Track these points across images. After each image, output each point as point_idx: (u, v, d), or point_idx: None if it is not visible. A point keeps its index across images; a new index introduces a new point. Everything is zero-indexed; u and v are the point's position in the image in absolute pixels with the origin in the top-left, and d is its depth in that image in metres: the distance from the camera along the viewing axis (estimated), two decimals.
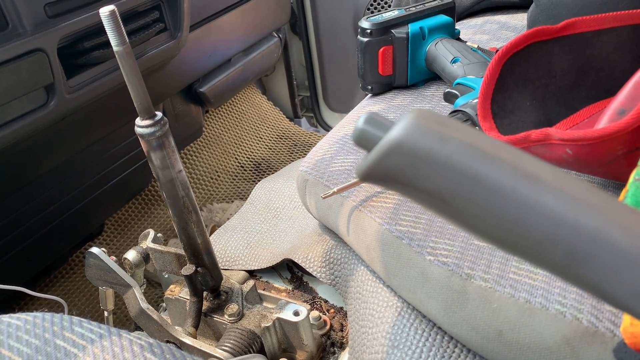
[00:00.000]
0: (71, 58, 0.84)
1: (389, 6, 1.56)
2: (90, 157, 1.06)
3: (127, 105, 1.02)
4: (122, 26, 0.45)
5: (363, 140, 0.27)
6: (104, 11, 0.44)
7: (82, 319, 0.43)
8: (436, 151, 0.25)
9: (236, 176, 1.61)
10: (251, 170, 1.63)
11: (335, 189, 0.51)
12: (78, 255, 1.27)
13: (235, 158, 1.65)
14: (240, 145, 1.69)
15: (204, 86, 1.32)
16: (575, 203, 0.25)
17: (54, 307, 1.05)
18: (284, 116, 1.87)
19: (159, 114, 0.49)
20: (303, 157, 1.73)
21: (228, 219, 1.25)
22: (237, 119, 1.75)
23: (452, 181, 0.25)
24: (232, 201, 1.47)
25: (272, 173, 1.63)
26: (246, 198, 1.53)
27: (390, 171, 0.26)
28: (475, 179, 0.25)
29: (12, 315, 0.44)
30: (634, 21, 0.52)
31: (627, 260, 0.24)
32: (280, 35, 1.60)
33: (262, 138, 1.77)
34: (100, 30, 0.85)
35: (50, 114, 0.82)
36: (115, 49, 0.45)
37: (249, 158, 1.67)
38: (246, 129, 1.75)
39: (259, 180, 1.60)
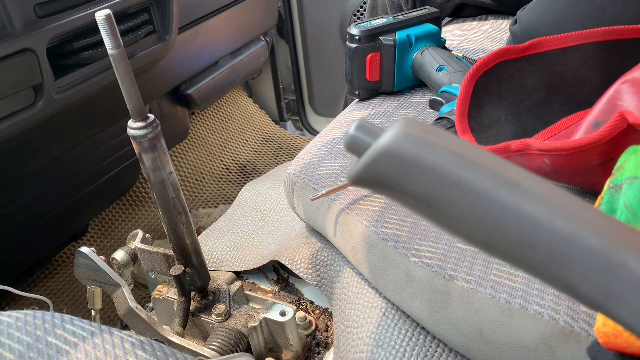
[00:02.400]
0: (60, 58, 0.84)
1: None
2: (76, 157, 1.06)
3: (114, 106, 1.02)
4: (117, 30, 0.46)
5: (354, 146, 0.28)
6: (100, 15, 0.45)
7: (73, 317, 0.44)
8: (423, 157, 0.26)
9: (221, 178, 1.61)
10: (236, 173, 1.64)
11: (323, 192, 0.52)
12: (61, 255, 1.26)
13: (221, 160, 1.66)
14: (226, 148, 1.69)
15: (190, 88, 1.32)
16: (552, 208, 0.26)
17: (39, 307, 1.04)
18: (270, 119, 1.88)
19: (151, 117, 0.50)
20: (289, 160, 1.74)
21: (212, 223, 1.25)
22: (223, 121, 1.76)
23: (437, 185, 0.26)
24: (217, 205, 1.48)
25: (258, 176, 1.64)
26: (231, 201, 1.54)
27: (379, 176, 0.28)
28: (459, 184, 0.26)
29: (2, 312, 0.45)
30: (597, 38, 0.55)
31: (600, 262, 0.25)
32: (267, 39, 1.61)
33: (247, 141, 1.78)
34: (90, 31, 0.86)
35: (37, 114, 0.82)
36: (110, 52, 0.46)
37: (234, 160, 1.68)
38: (232, 132, 1.76)
39: (244, 183, 1.61)
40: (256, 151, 1.75)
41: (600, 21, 0.62)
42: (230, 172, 1.63)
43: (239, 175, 1.63)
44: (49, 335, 0.42)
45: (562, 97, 0.57)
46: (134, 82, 0.48)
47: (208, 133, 1.67)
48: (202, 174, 1.58)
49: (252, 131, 1.81)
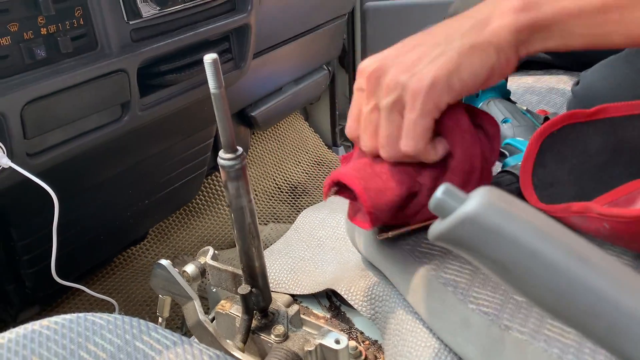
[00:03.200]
0: (146, 78, 0.91)
1: None
2: (146, 168, 1.13)
3: (186, 124, 1.09)
4: (220, 72, 0.51)
5: (439, 208, 0.32)
6: (207, 58, 0.50)
7: (157, 326, 0.49)
8: (504, 227, 0.30)
9: (273, 197, 1.67)
10: (287, 193, 1.69)
11: (390, 234, 0.56)
12: (119, 257, 1.34)
13: (274, 179, 1.71)
14: (280, 168, 1.75)
15: (255, 110, 1.39)
16: (617, 283, 0.29)
17: (100, 305, 1.11)
18: (323, 143, 1.94)
19: (240, 149, 0.55)
20: None
21: (262, 240, 1.30)
22: (279, 142, 1.82)
23: (514, 254, 0.30)
24: (267, 223, 1.53)
25: (308, 197, 1.69)
26: (281, 220, 1.59)
27: (461, 239, 0.31)
28: (535, 254, 0.30)
29: (94, 314, 0.50)
30: None
31: None
32: (330, 68, 1.67)
33: (300, 162, 1.83)
34: (175, 55, 0.93)
35: (121, 128, 0.89)
36: (212, 91, 0.51)
37: (286, 181, 1.73)
38: (287, 153, 1.82)
39: (294, 203, 1.66)
40: (308, 173, 1.81)
41: None
42: (281, 192, 1.68)
43: (290, 196, 1.68)
44: (137, 340, 0.46)
45: (625, 162, 0.59)
46: (229, 119, 0.53)
47: (265, 153, 1.74)
48: (255, 191, 1.64)
49: (306, 154, 1.87)
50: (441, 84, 0.44)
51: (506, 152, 0.66)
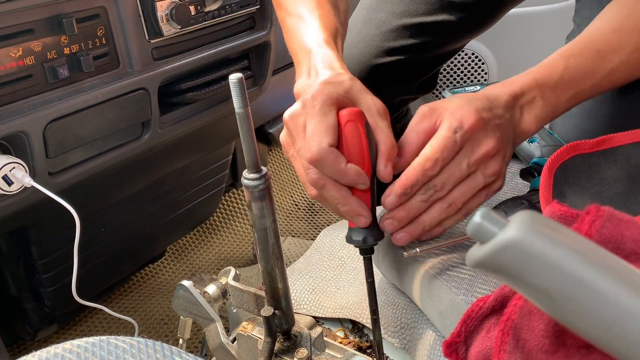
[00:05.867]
0: (166, 96, 0.91)
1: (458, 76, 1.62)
2: (165, 185, 1.13)
3: (205, 141, 1.09)
4: (245, 92, 0.50)
5: (478, 233, 0.31)
6: (233, 78, 0.50)
7: (180, 350, 0.48)
8: (548, 254, 0.28)
9: (290, 214, 1.66)
10: (305, 210, 1.68)
11: (418, 250, 0.55)
12: (136, 275, 1.33)
13: (291, 196, 1.71)
14: (297, 185, 1.74)
15: (273, 127, 1.39)
16: None
17: (118, 324, 1.11)
18: None
19: (264, 169, 0.54)
20: None
21: None
22: None
23: (559, 281, 0.28)
24: (286, 237, 1.52)
25: (325, 214, 1.68)
26: (298, 236, 1.58)
27: (503, 265, 0.30)
28: (581, 282, 0.28)
29: (117, 337, 0.49)
30: None
31: None
32: None
33: None
34: (196, 73, 0.93)
35: (141, 146, 0.89)
36: (237, 110, 0.51)
37: (303, 197, 1.72)
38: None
39: (311, 220, 1.65)
40: None
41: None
42: (299, 209, 1.67)
43: (307, 213, 1.67)
44: None
45: None
46: (254, 139, 0.52)
47: (282, 169, 1.73)
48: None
49: None
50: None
51: (534, 172, 0.65)
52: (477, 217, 0.31)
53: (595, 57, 0.57)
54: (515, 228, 0.29)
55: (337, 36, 0.66)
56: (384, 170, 0.54)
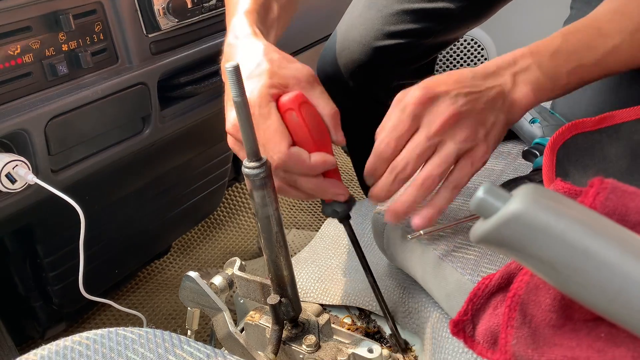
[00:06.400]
0: (166, 90, 0.91)
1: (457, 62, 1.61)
2: (168, 181, 1.13)
3: (206, 135, 1.09)
4: (242, 80, 0.50)
5: (481, 208, 0.31)
6: (229, 66, 0.50)
7: (189, 339, 0.48)
8: (552, 225, 0.28)
9: (294, 205, 1.66)
10: (309, 201, 1.68)
11: (422, 232, 0.55)
12: (142, 271, 1.34)
13: None
14: None
15: None
16: None
17: (127, 320, 1.11)
18: (340, 149, 1.93)
19: (264, 158, 0.54)
20: (360, 191, 1.76)
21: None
22: None
23: (564, 253, 0.28)
24: (290, 229, 1.52)
25: None
26: (302, 227, 1.58)
27: (507, 239, 0.30)
28: (586, 253, 0.28)
29: (125, 328, 0.49)
30: None
31: None
32: None
33: None
34: (195, 67, 0.93)
35: (143, 141, 0.89)
36: (234, 99, 0.50)
37: None
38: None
39: (316, 212, 1.65)
40: None
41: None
42: (302, 201, 1.67)
43: (311, 204, 1.67)
44: (169, 354, 0.46)
45: None
46: (252, 127, 0.52)
47: None
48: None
49: None
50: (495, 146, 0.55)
51: (536, 152, 0.65)
52: (479, 192, 0.31)
53: (596, 33, 0.56)
54: (518, 201, 0.29)
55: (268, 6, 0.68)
56: (337, 138, 0.57)
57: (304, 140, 0.55)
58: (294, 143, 0.54)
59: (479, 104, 0.52)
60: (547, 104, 0.75)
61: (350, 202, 0.59)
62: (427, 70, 1.02)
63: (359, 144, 1.27)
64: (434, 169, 0.52)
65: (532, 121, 0.68)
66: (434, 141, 0.51)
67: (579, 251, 0.28)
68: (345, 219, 0.61)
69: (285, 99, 0.54)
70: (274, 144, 0.54)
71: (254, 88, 0.55)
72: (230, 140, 0.61)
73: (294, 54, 1.29)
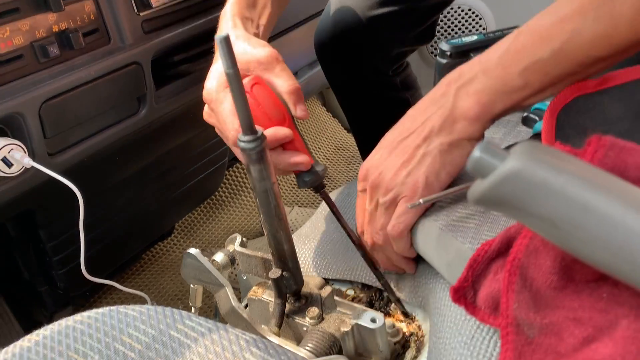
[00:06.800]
0: (161, 70, 0.90)
1: (455, 33, 1.59)
2: (168, 162, 1.12)
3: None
4: (233, 51, 0.49)
5: (478, 167, 0.30)
6: (219, 37, 0.49)
7: (190, 314, 0.48)
8: (551, 180, 0.28)
9: (295, 184, 1.66)
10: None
11: (421, 201, 0.54)
12: (147, 254, 1.34)
13: None
14: None
15: None
16: None
17: (132, 302, 1.11)
18: (342, 128, 1.92)
19: (260, 131, 0.53)
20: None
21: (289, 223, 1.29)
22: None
23: (564, 208, 0.28)
24: (293, 207, 1.52)
25: (330, 182, 1.67)
26: (304, 205, 1.58)
27: (505, 197, 0.29)
28: (586, 207, 0.28)
29: (127, 306, 0.49)
30: None
31: None
32: None
33: (320, 148, 1.81)
34: (188, 45, 0.91)
35: (139, 122, 0.89)
36: (226, 70, 0.49)
37: None
38: (306, 139, 1.80)
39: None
40: (329, 159, 1.79)
41: None
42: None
43: None
44: (171, 329, 0.46)
45: None
46: (245, 100, 0.51)
47: None
48: (277, 179, 1.63)
49: (325, 139, 1.85)
50: (432, 180, 0.54)
51: (536, 117, 0.64)
52: (476, 151, 0.30)
53: (553, 20, 0.50)
54: (515, 158, 0.29)
55: None
56: (296, 112, 0.61)
57: (259, 119, 0.60)
58: None
59: (401, 153, 0.56)
60: None
61: (317, 171, 0.62)
62: (428, 36, 1.00)
63: (361, 117, 1.26)
64: (375, 225, 0.59)
65: None
66: (372, 205, 0.59)
67: (580, 206, 0.27)
68: (319, 189, 0.64)
69: None
70: (228, 123, 0.60)
71: (213, 77, 0.63)
72: (205, 114, 0.66)
73: (289, 29, 1.27)
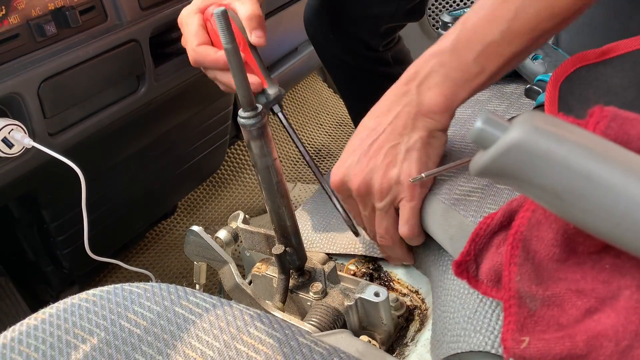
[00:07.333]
0: (159, 47, 0.89)
1: (457, 5, 1.57)
2: (169, 140, 1.12)
3: (203, 91, 1.07)
4: (231, 26, 0.49)
5: (480, 139, 0.30)
6: (217, 12, 0.48)
7: (194, 290, 0.48)
8: (553, 150, 0.27)
9: (297, 161, 1.66)
10: (312, 156, 1.67)
11: (423, 175, 0.54)
12: (151, 232, 1.35)
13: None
14: (302, 132, 1.73)
15: (271, 73, 1.36)
16: None
17: (138, 279, 1.12)
18: (343, 104, 1.90)
19: (259, 106, 0.53)
20: None
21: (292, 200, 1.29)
22: (298, 105, 1.79)
23: (566, 178, 0.28)
24: (295, 183, 1.52)
25: (332, 159, 1.67)
26: (307, 182, 1.58)
27: (507, 168, 0.29)
28: (589, 177, 0.27)
29: (131, 284, 0.50)
30: None
31: None
32: None
33: (322, 125, 1.81)
34: None
35: (139, 100, 0.88)
36: (225, 46, 0.49)
37: (309, 144, 1.71)
38: (307, 116, 1.79)
39: (318, 166, 1.64)
40: (330, 135, 1.78)
41: None
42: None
43: (314, 159, 1.67)
44: (175, 306, 0.46)
45: None
46: (245, 75, 0.51)
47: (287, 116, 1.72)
48: (278, 156, 1.63)
49: (327, 115, 1.84)
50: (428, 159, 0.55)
51: (539, 89, 0.63)
52: (478, 123, 0.30)
53: (495, 2, 0.50)
54: (517, 128, 0.28)
55: None
56: (252, 39, 0.66)
57: (216, 42, 0.68)
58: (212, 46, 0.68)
59: (379, 154, 0.55)
60: (550, 40, 0.73)
61: (269, 94, 0.68)
62: (418, 12, 0.99)
63: (354, 94, 1.25)
64: (379, 230, 0.59)
65: (535, 57, 0.66)
66: (367, 210, 0.58)
67: (583, 176, 0.27)
68: (273, 111, 0.69)
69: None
70: (188, 43, 0.68)
71: (191, 5, 0.70)
72: (182, 39, 0.71)
73: (278, 9, 1.26)
